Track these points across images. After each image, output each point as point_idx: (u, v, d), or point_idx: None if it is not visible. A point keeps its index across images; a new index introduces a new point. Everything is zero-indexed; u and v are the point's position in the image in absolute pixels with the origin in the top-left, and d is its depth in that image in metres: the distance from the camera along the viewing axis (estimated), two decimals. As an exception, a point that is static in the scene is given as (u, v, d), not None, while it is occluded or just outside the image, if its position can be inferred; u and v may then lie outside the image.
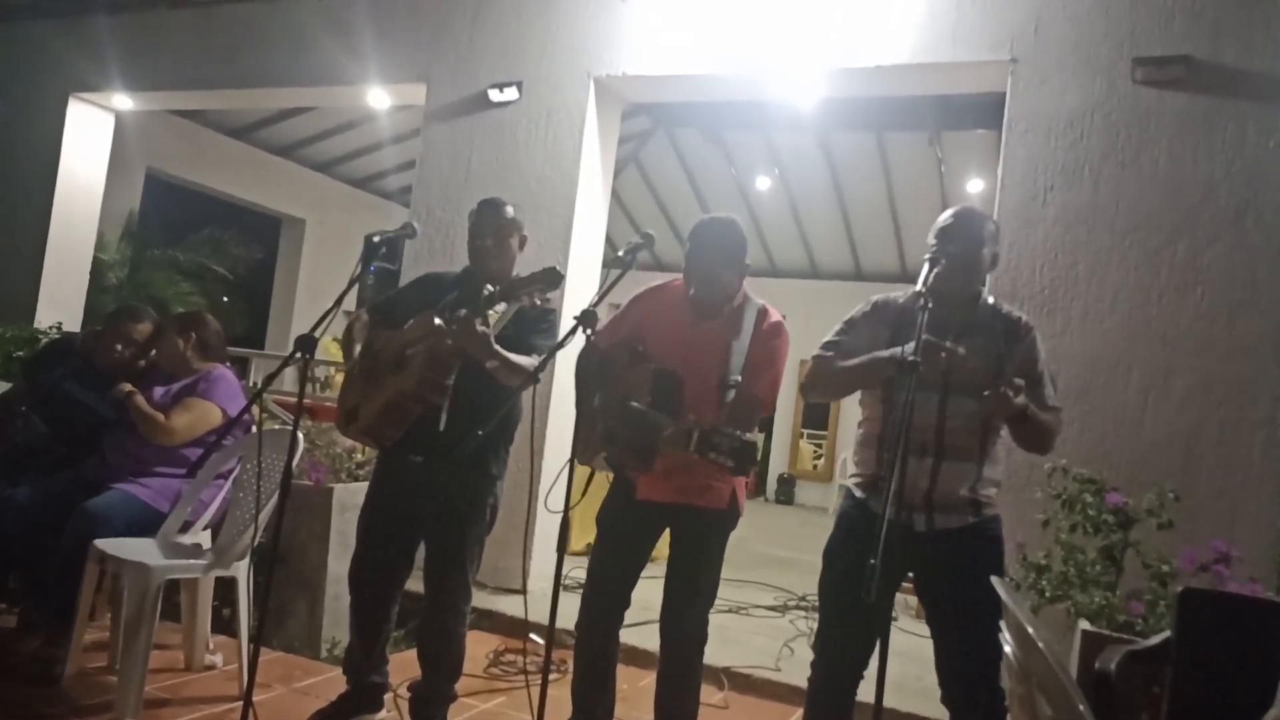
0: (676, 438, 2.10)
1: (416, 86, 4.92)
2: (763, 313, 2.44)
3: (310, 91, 5.59)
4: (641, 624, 2.57)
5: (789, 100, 5.91)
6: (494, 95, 4.64)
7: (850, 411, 2.53)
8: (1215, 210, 3.37)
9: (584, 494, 2.25)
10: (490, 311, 2.40)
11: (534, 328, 2.53)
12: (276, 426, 3.91)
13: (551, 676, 2.09)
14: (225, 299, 8.40)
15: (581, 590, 2.51)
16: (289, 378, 5.64)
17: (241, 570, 2.88)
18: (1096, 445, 3.37)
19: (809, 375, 2.25)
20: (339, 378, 5.88)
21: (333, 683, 2.91)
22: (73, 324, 5.83)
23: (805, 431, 12.14)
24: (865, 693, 1.90)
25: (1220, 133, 3.39)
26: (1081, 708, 1.12)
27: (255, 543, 2.80)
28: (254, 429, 3.30)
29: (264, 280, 9.98)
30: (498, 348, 2.36)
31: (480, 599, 3.20)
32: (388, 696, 2.73)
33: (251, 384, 5.30)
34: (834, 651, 2.19)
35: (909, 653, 2.18)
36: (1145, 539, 2.73)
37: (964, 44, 3.82)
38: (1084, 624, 2.57)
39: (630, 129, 8.99)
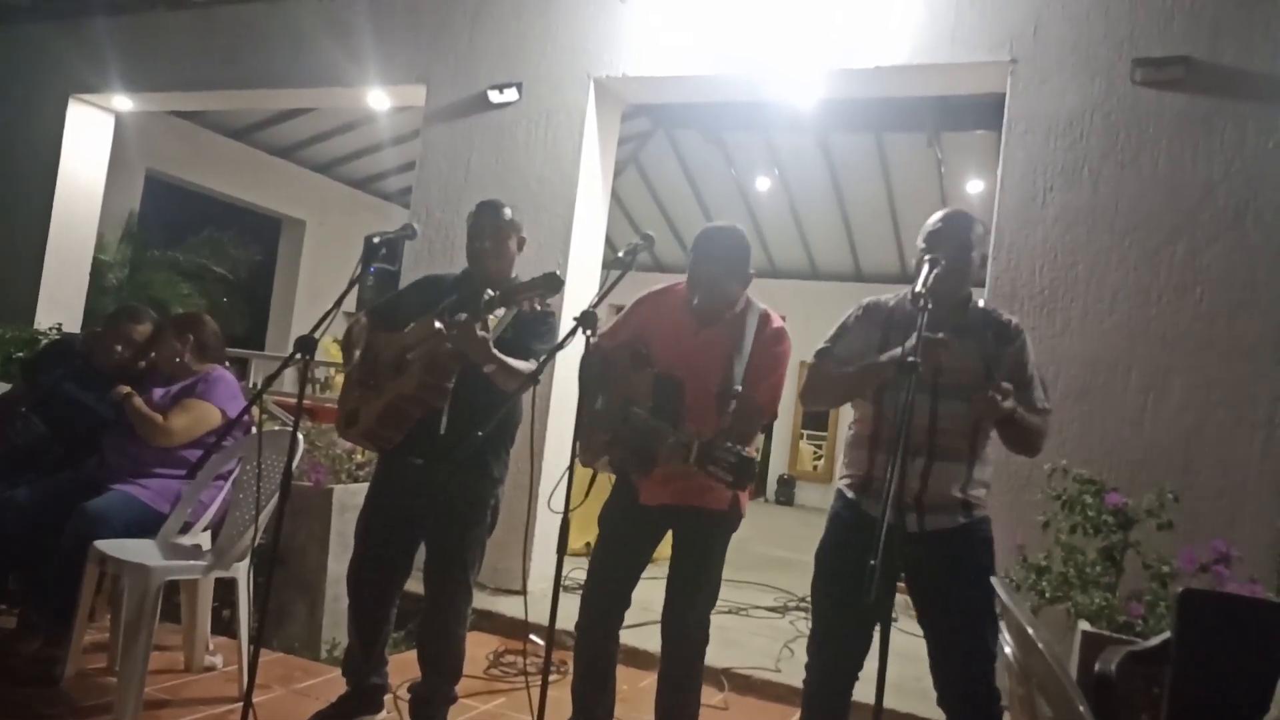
0: (676, 449, 2.11)
1: (416, 88, 4.92)
2: (764, 318, 2.43)
3: (310, 93, 5.59)
4: (642, 625, 2.57)
5: (788, 101, 5.90)
6: (494, 96, 4.64)
7: (850, 413, 2.52)
8: (1214, 210, 3.37)
9: (586, 495, 2.25)
10: (490, 316, 2.40)
11: (533, 331, 2.53)
12: (276, 427, 3.91)
13: (551, 677, 2.09)
14: (225, 300, 8.40)
15: (581, 591, 2.51)
16: (289, 379, 5.64)
17: (241, 571, 2.88)
18: (1096, 446, 3.37)
19: (806, 383, 2.26)
20: (339, 379, 5.88)
21: (332, 684, 2.91)
22: (72, 325, 5.83)
23: (805, 432, 12.14)
24: (864, 693, 1.89)
25: (1219, 133, 3.39)
26: (1081, 709, 1.12)
27: (255, 544, 2.80)
28: (254, 430, 3.30)
29: (264, 281, 9.98)
30: (496, 352, 2.36)
31: (480, 600, 3.20)
32: (387, 698, 2.73)
33: (251, 385, 5.30)
34: (829, 653, 2.19)
35: (908, 653, 2.18)
36: (1145, 539, 2.73)
37: (963, 45, 3.82)
38: (1084, 625, 2.57)
39: (630, 130, 8.99)
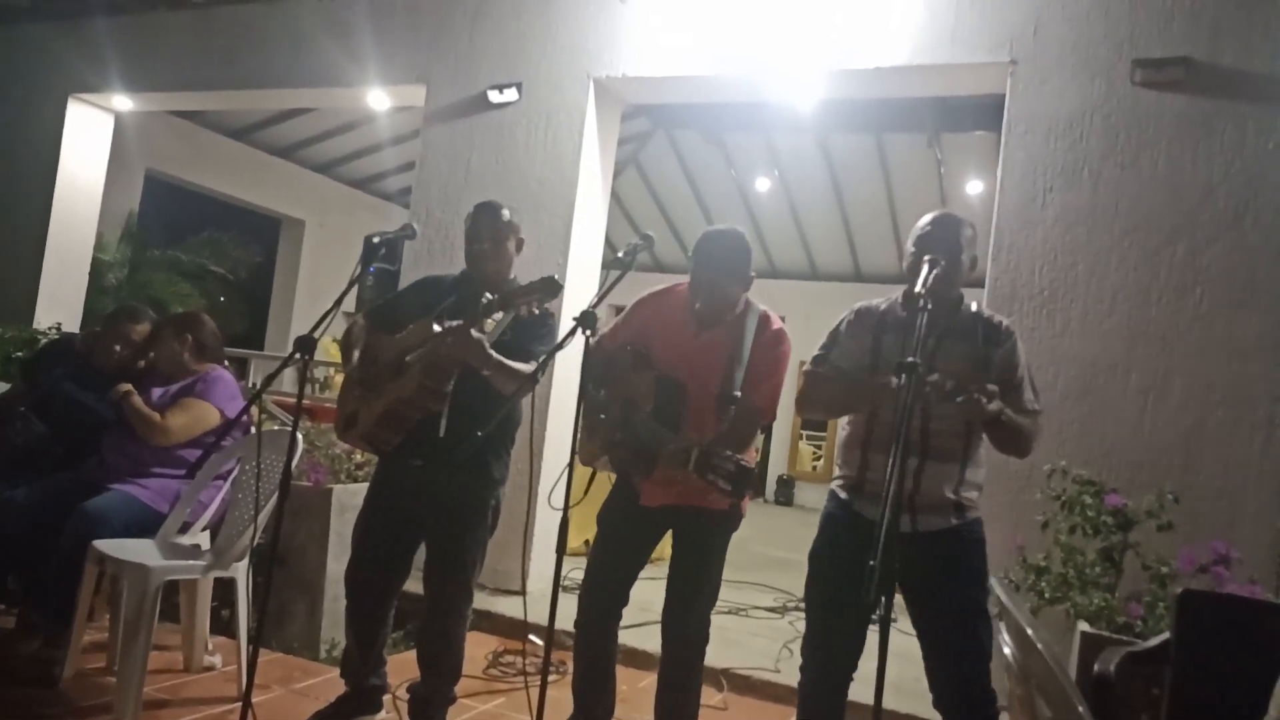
0: (676, 455, 2.11)
1: (416, 88, 4.92)
2: (764, 319, 2.44)
3: (310, 93, 5.59)
4: (642, 625, 2.57)
5: (788, 101, 5.90)
6: (493, 96, 4.64)
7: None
8: (1214, 211, 3.37)
9: (585, 493, 2.26)
10: (489, 319, 2.40)
11: (532, 333, 2.52)
12: (275, 427, 3.91)
13: (551, 677, 2.09)
14: (224, 300, 8.40)
15: (579, 590, 2.52)
16: (288, 378, 5.64)
17: (240, 571, 2.88)
18: (1096, 446, 3.37)
19: (801, 393, 2.27)
20: (338, 378, 5.88)
21: (331, 684, 2.91)
22: (72, 325, 5.83)
23: (805, 433, 12.15)
24: (863, 694, 1.89)
25: (1219, 134, 3.39)
26: (1081, 709, 1.12)
27: (254, 544, 2.80)
28: (253, 430, 3.30)
29: (263, 281, 9.98)
30: (494, 354, 2.36)
31: (479, 600, 3.19)
32: (386, 698, 2.73)
33: (251, 385, 5.30)
34: (823, 653, 2.19)
35: (907, 654, 2.18)
36: (1145, 540, 2.73)
37: (963, 45, 3.82)
38: (1083, 625, 2.58)
39: (630, 130, 9.00)
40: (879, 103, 7.15)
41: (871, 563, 1.47)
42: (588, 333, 2.09)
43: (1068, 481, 2.89)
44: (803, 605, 2.31)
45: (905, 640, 2.21)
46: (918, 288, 1.92)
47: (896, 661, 1.64)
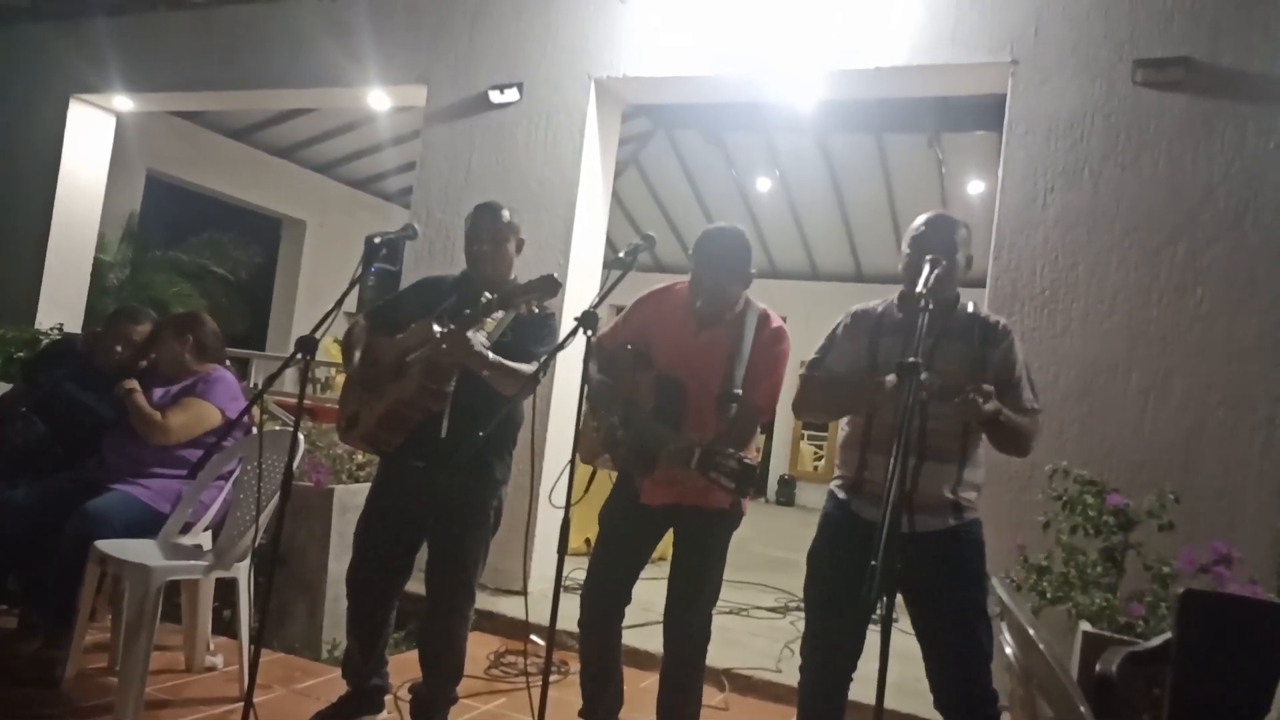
0: (678, 454, 2.12)
1: (417, 88, 4.92)
2: (764, 318, 2.45)
3: (310, 93, 5.59)
4: (643, 625, 2.58)
5: (789, 102, 5.91)
6: (494, 97, 4.64)
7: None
8: (1215, 211, 3.37)
9: (585, 492, 2.26)
10: (489, 319, 2.40)
11: (533, 334, 2.53)
12: (277, 428, 3.91)
13: (552, 678, 2.09)
14: (225, 300, 8.40)
15: (581, 589, 2.52)
16: (289, 379, 5.64)
17: (242, 571, 2.88)
18: (1097, 446, 3.37)
19: (798, 397, 2.28)
20: (339, 379, 5.88)
21: (333, 684, 2.91)
22: (73, 325, 5.83)
23: (806, 433, 12.15)
24: (864, 694, 1.90)
25: (1219, 134, 3.39)
26: (1082, 709, 1.12)
27: (256, 544, 2.80)
28: (254, 430, 3.30)
29: (264, 281, 9.98)
30: (492, 356, 2.36)
31: (481, 600, 3.19)
32: (388, 698, 2.73)
33: (252, 385, 5.30)
34: (822, 653, 2.19)
35: (908, 654, 2.18)
36: (1146, 540, 2.73)
37: (963, 46, 3.82)
38: (1085, 625, 2.58)
39: (630, 130, 9.00)
40: (879, 103, 7.15)
41: (873, 563, 1.47)
42: (589, 333, 2.10)
43: (1069, 481, 2.89)
44: (804, 605, 2.31)
45: (906, 640, 2.21)
46: (919, 287, 1.92)
47: (897, 661, 1.64)
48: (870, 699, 1.56)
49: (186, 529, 3.02)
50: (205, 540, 3.07)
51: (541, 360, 2.28)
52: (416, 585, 2.66)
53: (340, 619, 3.29)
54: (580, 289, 4.43)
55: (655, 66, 4.41)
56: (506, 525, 2.70)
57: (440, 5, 4.89)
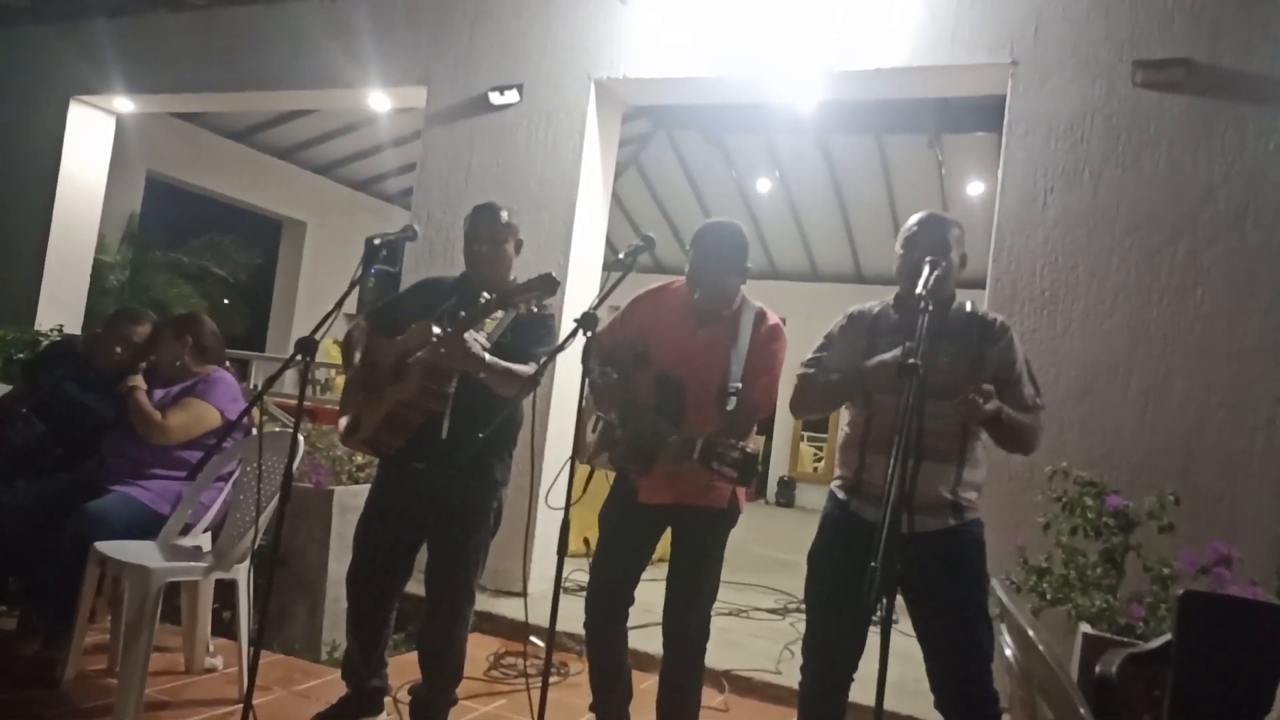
0: (680, 448, 2.13)
1: (417, 89, 4.92)
2: (760, 316, 2.46)
3: (310, 94, 5.59)
4: (642, 626, 2.58)
5: (789, 102, 5.91)
6: (494, 98, 4.64)
7: (847, 416, 2.55)
8: (1215, 212, 3.38)
9: (584, 492, 2.26)
10: (488, 319, 2.40)
11: (533, 335, 2.53)
12: (277, 429, 3.91)
13: (552, 679, 2.09)
14: (226, 301, 8.41)
15: (583, 591, 2.52)
16: (289, 380, 5.64)
17: (242, 573, 2.88)
18: (1097, 447, 3.37)
19: (795, 394, 2.27)
20: (339, 380, 5.87)
21: (333, 685, 2.91)
22: (73, 326, 5.83)
23: (806, 434, 12.14)
24: (865, 695, 1.89)
25: (1220, 135, 3.39)
26: (1082, 711, 1.12)
27: (255, 545, 2.80)
28: (254, 431, 3.30)
29: (265, 282, 9.99)
30: (489, 357, 2.36)
31: (480, 601, 3.20)
32: (388, 700, 2.73)
33: (252, 386, 5.30)
34: (823, 654, 2.19)
35: (908, 655, 2.18)
36: (1146, 541, 2.73)
37: (964, 46, 3.82)
38: (1085, 627, 2.57)
39: (631, 131, 9.00)
40: (879, 104, 7.15)
41: (873, 564, 1.47)
42: (589, 334, 2.10)
43: (1069, 483, 2.89)
44: (804, 607, 2.31)
45: (907, 641, 2.21)
46: (919, 289, 1.92)
47: (898, 662, 1.64)
48: (871, 700, 1.56)
49: (186, 530, 3.02)
50: (205, 541, 3.07)
51: (541, 362, 2.28)
52: (416, 586, 2.66)
53: (340, 620, 3.29)
54: (580, 290, 4.43)
55: (655, 67, 4.42)
56: (506, 526, 2.70)
57: (440, 6, 4.89)
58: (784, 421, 11.84)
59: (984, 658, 2.02)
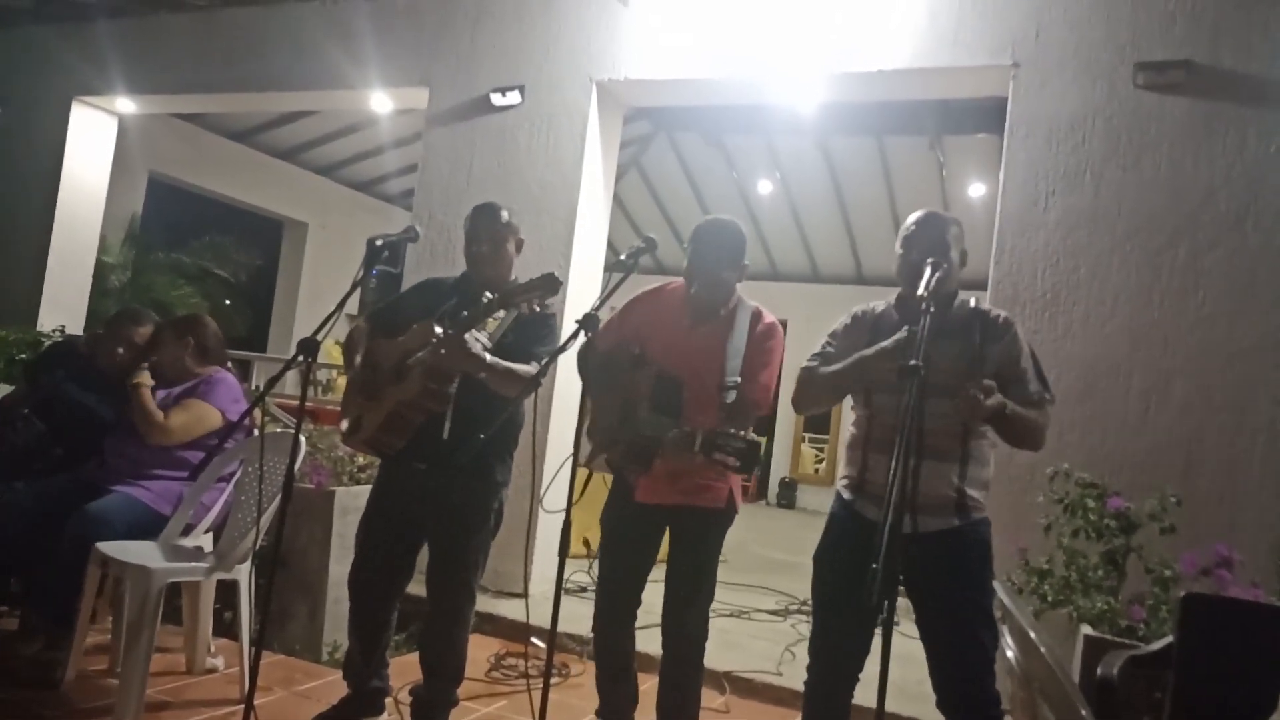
0: (681, 440, 2.13)
1: (418, 90, 4.93)
2: (756, 314, 2.48)
3: (312, 95, 5.60)
4: (642, 627, 2.58)
5: (790, 104, 5.91)
6: (496, 99, 4.65)
7: (851, 415, 2.55)
8: (1215, 214, 3.38)
9: (581, 494, 2.27)
10: (490, 319, 2.40)
11: (534, 335, 2.53)
12: (278, 430, 3.91)
13: (553, 680, 2.09)
14: (227, 302, 8.42)
15: (582, 593, 2.53)
16: (291, 381, 5.64)
17: (243, 573, 2.88)
18: (1097, 449, 3.37)
19: (797, 388, 2.27)
20: (341, 381, 5.88)
21: (333, 686, 2.91)
22: (75, 327, 5.84)
23: (807, 436, 12.14)
24: (866, 696, 1.89)
25: (1220, 137, 3.39)
26: (1084, 712, 1.12)
27: (257, 546, 2.80)
28: (255, 432, 3.30)
29: (266, 283, 10.00)
30: (490, 358, 2.36)
31: (481, 603, 3.19)
32: (388, 700, 2.73)
33: (254, 387, 5.31)
34: (827, 654, 2.20)
35: (910, 656, 2.18)
36: (1147, 543, 2.73)
37: (965, 48, 3.82)
38: (1086, 629, 2.57)
39: (632, 133, 9.00)
40: (880, 105, 7.15)
41: (874, 565, 1.47)
42: (590, 335, 2.11)
43: (1070, 484, 2.89)
44: (805, 608, 2.31)
45: (908, 643, 2.21)
46: (920, 290, 1.92)
47: (899, 664, 1.64)
48: (873, 701, 1.56)
49: (187, 531, 3.02)
50: (206, 542, 3.07)
51: (543, 362, 2.28)
52: (418, 588, 2.66)
53: (341, 621, 3.29)
54: (581, 291, 4.43)
55: (656, 69, 4.42)
56: (507, 527, 2.71)
57: (441, 8, 4.89)
58: (785, 423, 11.84)
59: (985, 658, 2.02)
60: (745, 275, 2.48)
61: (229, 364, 3.52)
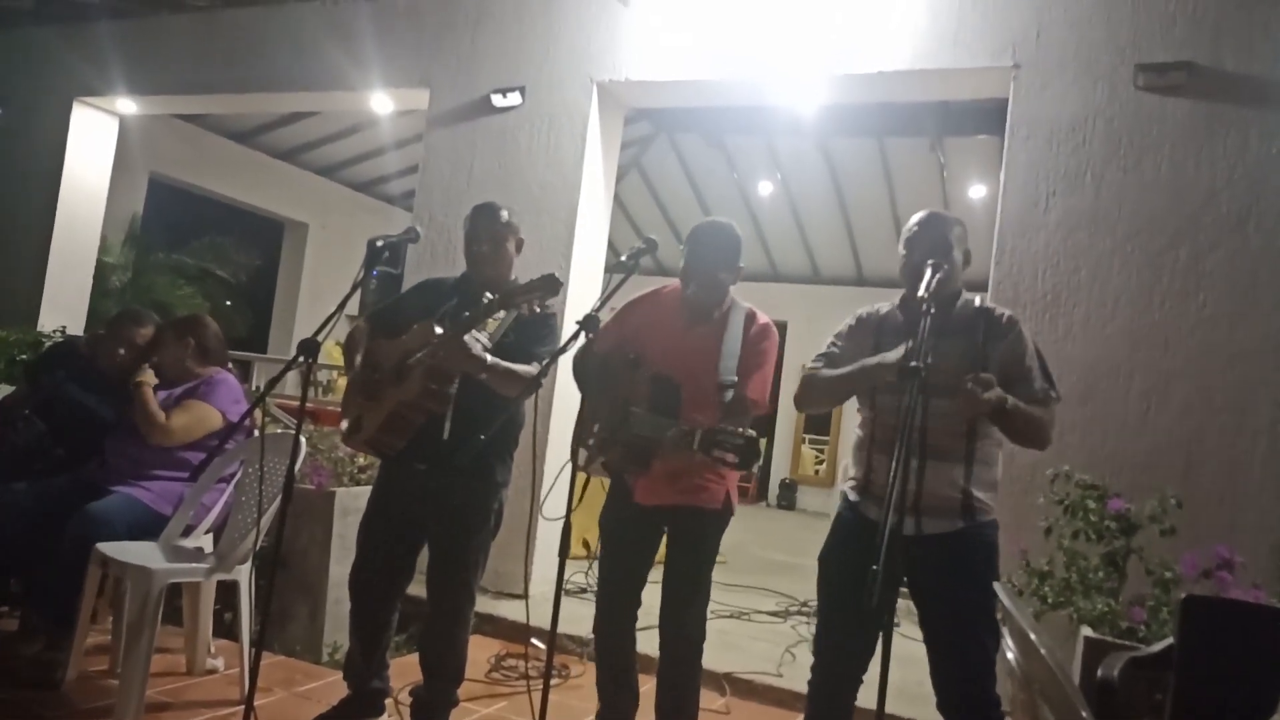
0: (679, 438, 2.15)
1: (419, 91, 4.93)
2: (750, 315, 2.50)
3: (312, 96, 5.60)
4: (640, 629, 2.59)
5: (790, 105, 5.91)
6: (496, 100, 4.65)
7: (852, 417, 2.55)
8: (1217, 216, 3.37)
9: (580, 499, 2.27)
10: (490, 319, 2.40)
11: (535, 335, 2.53)
12: (279, 430, 3.91)
13: (553, 681, 2.09)
14: (228, 303, 8.42)
15: (582, 594, 2.53)
16: (291, 381, 5.64)
17: (243, 574, 2.88)
18: (1098, 450, 3.37)
19: (800, 389, 2.28)
20: (341, 382, 5.88)
21: (334, 687, 2.91)
22: (75, 327, 5.84)
23: (807, 437, 12.13)
24: (867, 698, 1.89)
25: (1221, 138, 3.39)
26: (1084, 714, 1.12)
27: (257, 547, 2.80)
28: (256, 433, 3.30)
29: (266, 284, 10.00)
30: (490, 358, 2.36)
31: (481, 604, 3.20)
32: (389, 701, 2.73)
33: (254, 388, 5.31)
34: (830, 655, 2.20)
35: (910, 657, 2.18)
36: (1148, 545, 2.73)
37: (965, 49, 3.82)
38: (1086, 630, 2.57)
39: (632, 134, 9.01)
40: (881, 106, 7.14)
41: (874, 567, 1.47)
42: (590, 336, 2.11)
43: (1070, 486, 2.88)
44: (805, 609, 2.32)
45: (909, 644, 2.21)
46: (920, 292, 1.92)
47: (900, 665, 1.64)
48: (873, 703, 1.56)
49: (188, 531, 3.02)
50: (206, 543, 3.07)
51: (544, 363, 2.28)
52: (418, 588, 2.66)
53: (341, 622, 3.29)
54: (582, 292, 4.43)
55: (657, 70, 4.42)
56: (507, 528, 2.71)
57: (442, 9, 4.90)
58: (785, 424, 11.84)
59: (985, 660, 2.02)
60: (740, 277, 2.50)
61: (230, 365, 3.53)
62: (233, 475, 3.13)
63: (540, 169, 4.57)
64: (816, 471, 12.10)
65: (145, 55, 5.84)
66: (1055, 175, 3.61)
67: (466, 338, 2.34)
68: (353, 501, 3.44)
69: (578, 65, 4.55)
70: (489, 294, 2.38)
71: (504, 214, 2.65)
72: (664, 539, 2.53)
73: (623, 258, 2.30)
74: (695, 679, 2.50)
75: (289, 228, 10.10)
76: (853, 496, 2.22)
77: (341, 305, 2.32)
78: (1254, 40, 3.38)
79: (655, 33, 4.41)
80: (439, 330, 2.39)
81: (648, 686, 2.57)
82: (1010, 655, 1.48)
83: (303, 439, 2.50)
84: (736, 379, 2.34)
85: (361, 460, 3.70)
